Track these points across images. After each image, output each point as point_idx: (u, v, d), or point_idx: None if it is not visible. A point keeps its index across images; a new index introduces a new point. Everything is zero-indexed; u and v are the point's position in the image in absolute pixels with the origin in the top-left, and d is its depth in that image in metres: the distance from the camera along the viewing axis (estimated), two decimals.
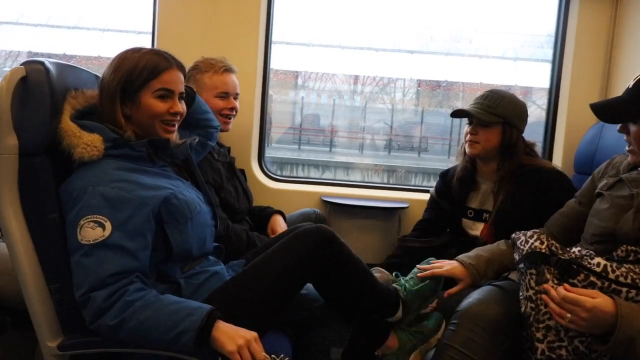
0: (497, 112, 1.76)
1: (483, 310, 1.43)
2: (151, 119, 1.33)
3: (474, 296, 1.51)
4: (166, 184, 1.32)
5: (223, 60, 1.97)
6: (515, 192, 1.75)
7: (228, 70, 1.96)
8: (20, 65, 1.23)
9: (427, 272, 1.59)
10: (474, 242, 1.84)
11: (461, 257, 1.64)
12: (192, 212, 1.34)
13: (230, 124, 1.99)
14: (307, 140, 10.81)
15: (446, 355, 1.38)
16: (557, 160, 2.47)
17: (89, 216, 1.18)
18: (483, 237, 1.83)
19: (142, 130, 1.34)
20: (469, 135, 1.81)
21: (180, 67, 1.37)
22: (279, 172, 2.63)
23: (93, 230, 1.17)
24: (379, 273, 1.66)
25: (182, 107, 1.37)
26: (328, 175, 9.25)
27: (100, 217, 1.18)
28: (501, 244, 1.68)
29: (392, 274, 1.67)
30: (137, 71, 1.29)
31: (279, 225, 2.07)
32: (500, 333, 1.40)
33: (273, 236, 2.00)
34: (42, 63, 1.24)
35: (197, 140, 1.55)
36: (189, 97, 1.58)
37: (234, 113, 1.99)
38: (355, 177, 9.48)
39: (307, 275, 1.39)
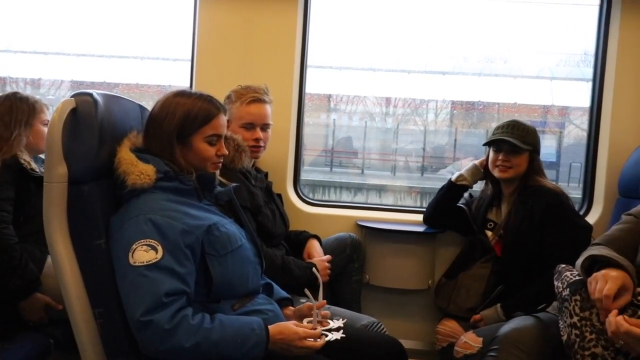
0: (527, 140, 1.99)
1: (523, 334, 1.45)
2: (202, 162, 1.41)
3: (513, 323, 1.52)
4: (210, 216, 1.37)
5: (257, 89, 1.97)
6: (520, 208, 1.97)
7: (256, 100, 1.95)
8: (70, 97, 1.29)
9: None
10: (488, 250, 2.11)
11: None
12: (233, 244, 1.37)
13: (259, 153, 1.99)
14: (339, 162, 10.83)
15: None
16: (600, 183, 2.39)
17: (142, 240, 1.23)
18: (494, 246, 2.08)
19: (194, 169, 1.41)
20: (499, 161, 2.01)
21: (225, 111, 1.46)
22: (311, 195, 2.64)
23: (147, 253, 1.22)
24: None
25: (225, 148, 1.46)
26: (360, 197, 9.20)
27: (153, 241, 1.23)
28: None
29: None
30: (191, 117, 1.36)
31: (315, 249, 2.08)
32: (540, 357, 1.39)
33: (309, 260, 2.00)
34: (90, 95, 1.29)
35: (238, 185, 1.60)
36: None
37: (261, 144, 1.97)
38: (388, 199, 9.40)
39: None
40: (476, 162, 2.20)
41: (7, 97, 1.93)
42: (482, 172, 2.17)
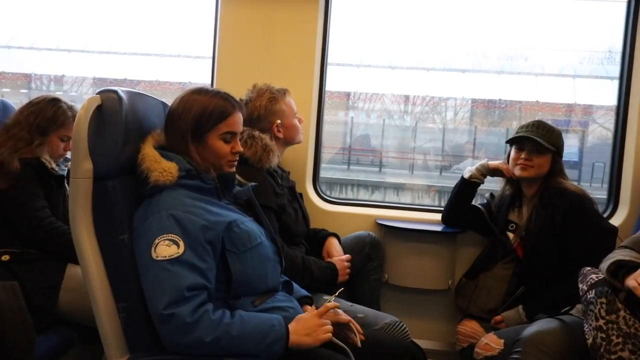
0: (551, 141, 1.96)
1: (547, 337, 1.44)
2: (218, 159, 1.42)
3: (536, 325, 1.52)
4: (230, 214, 1.38)
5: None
6: (541, 210, 1.95)
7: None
8: (96, 94, 1.31)
9: None
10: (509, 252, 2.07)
11: None
12: (252, 242, 1.38)
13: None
14: (357, 160, 10.79)
15: None
16: (627, 184, 2.34)
17: (164, 235, 1.25)
18: (516, 247, 2.06)
19: (211, 167, 1.42)
20: (521, 160, 1.98)
21: (241, 108, 1.46)
22: (328, 193, 2.64)
23: (169, 248, 1.24)
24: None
25: (240, 145, 1.46)
26: (378, 195, 9.17)
27: (175, 236, 1.25)
28: None
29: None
30: (206, 114, 1.38)
31: (334, 248, 2.07)
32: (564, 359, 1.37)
33: (329, 260, 2.00)
34: (115, 92, 1.31)
35: (256, 184, 1.61)
36: None
37: None
38: (406, 198, 9.34)
39: None
40: (485, 161, 2.16)
41: (44, 98, 1.96)
42: (490, 170, 2.13)
